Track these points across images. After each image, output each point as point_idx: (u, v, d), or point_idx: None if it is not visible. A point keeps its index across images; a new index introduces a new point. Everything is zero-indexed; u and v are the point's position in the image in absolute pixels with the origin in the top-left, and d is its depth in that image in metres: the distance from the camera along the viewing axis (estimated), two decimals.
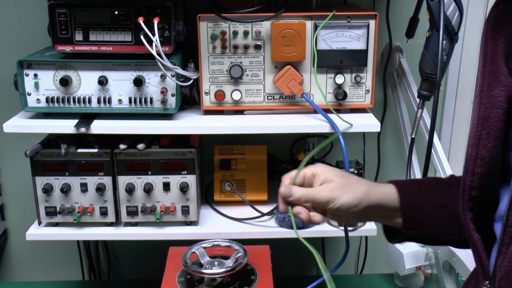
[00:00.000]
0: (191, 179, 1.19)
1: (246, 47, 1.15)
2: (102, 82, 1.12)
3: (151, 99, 1.14)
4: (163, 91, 1.13)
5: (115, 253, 1.70)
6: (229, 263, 1.11)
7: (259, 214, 1.26)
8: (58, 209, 1.20)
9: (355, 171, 1.37)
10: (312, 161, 1.50)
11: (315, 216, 0.83)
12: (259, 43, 1.15)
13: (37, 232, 1.22)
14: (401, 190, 0.86)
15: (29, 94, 1.14)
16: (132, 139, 1.20)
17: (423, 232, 0.86)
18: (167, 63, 1.06)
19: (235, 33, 1.14)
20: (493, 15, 0.69)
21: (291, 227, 1.24)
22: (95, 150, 1.17)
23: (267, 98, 1.19)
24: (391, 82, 1.49)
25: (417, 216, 0.85)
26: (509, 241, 0.63)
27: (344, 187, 0.83)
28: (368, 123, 1.16)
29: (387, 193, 0.85)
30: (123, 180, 1.19)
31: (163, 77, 1.13)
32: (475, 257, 0.70)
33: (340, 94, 1.17)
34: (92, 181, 1.19)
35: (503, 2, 0.69)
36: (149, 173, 1.19)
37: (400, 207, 0.84)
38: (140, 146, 1.17)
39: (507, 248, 0.63)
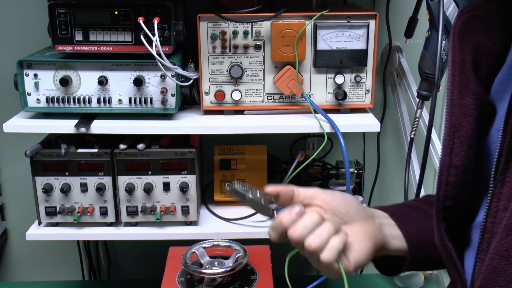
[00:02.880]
0: (191, 179, 1.19)
1: (246, 47, 1.15)
2: (102, 82, 1.12)
3: (151, 99, 1.14)
4: (163, 91, 1.13)
5: (115, 253, 1.70)
6: (229, 263, 1.11)
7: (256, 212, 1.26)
8: (58, 209, 1.20)
9: (355, 171, 1.37)
10: (312, 161, 1.50)
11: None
12: (259, 43, 1.15)
13: (37, 232, 1.22)
14: (392, 214, 0.81)
15: (29, 94, 1.14)
16: (132, 139, 1.20)
17: (429, 252, 0.79)
18: (167, 63, 1.06)
19: (235, 33, 1.14)
20: (459, 23, 0.69)
21: None
22: (95, 150, 1.18)
23: (267, 98, 1.19)
24: (391, 82, 1.50)
25: (419, 235, 0.79)
26: (486, 247, 0.63)
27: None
28: (368, 123, 1.16)
29: (380, 211, 0.81)
30: (123, 180, 1.19)
31: (163, 77, 1.13)
32: (450, 267, 0.70)
33: (340, 94, 1.17)
34: (92, 181, 1.19)
35: (467, 12, 0.69)
36: (149, 173, 1.19)
37: (400, 228, 0.79)
38: (140, 146, 1.17)
39: (484, 255, 0.63)
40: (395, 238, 0.79)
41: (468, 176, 0.67)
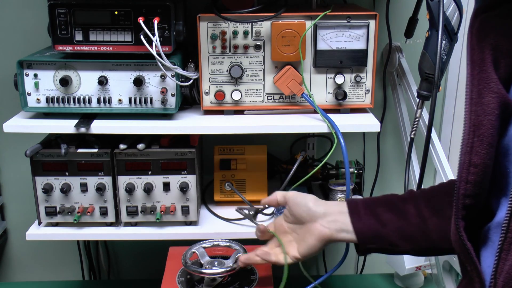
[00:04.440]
0: (191, 179, 1.19)
1: (246, 47, 1.15)
2: (102, 82, 1.12)
3: (151, 99, 1.14)
4: (163, 91, 1.13)
5: (115, 253, 1.70)
6: (229, 263, 1.11)
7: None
8: (58, 209, 1.20)
9: (355, 171, 1.37)
10: (311, 161, 1.50)
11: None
12: (259, 43, 1.15)
13: (37, 232, 1.22)
14: (350, 207, 0.97)
15: (29, 94, 1.14)
16: (132, 139, 1.20)
17: (378, 246, 0.96)
18: (167, 63, 1.06)
19: (235, 33, 1.14)
20: (476, 23, 0.70)
21: None
22: (95, 150, 1.18)
23: (267, 98, 1.19)
24: (391, 82, 1.50)
25: (368, 230, 0.95)
26: (508, 247, 0.63)
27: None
28: (368, 123, 1.16)
29: (338, 204, 1.00)
30: (123, 180, 1.19)
31: (163, 77, 1.13)
32: (469, 266, 0.70)
33: (340, 94, 1.17)
34: (92, 181, 1.19)
35: (483, 11, 0.69)
36: (149, 173, 1.19)
37: (351, 223, 0.96)
38: (140, 146, 1.17)
39: (506, 254, 0.63)
40: (343, 231, 0.96)
41: (487, 174, 0.68)
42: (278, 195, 1.05)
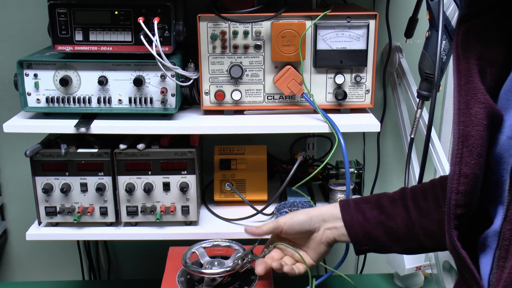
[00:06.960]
0: (191, 179, 1.19)
1: (246, 47, 1.15)
2: (102, 82, 1.12)
3: (151, 99, 1.14)
4: (163, 91, 1.13)
5: (115, 253, 1.70)
6: (229, 263, 1.11)
7: (256, 212, 1.26)
8: (58, 209, 1.20)
9: (355, 171, 1.37)
10: (311, 161, 1.50)
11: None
12: (259, 43, 1.15)
13: (37, 232, 1.22)
14: (343, 209, 1.01)
15: (29, 94, 1.14)
16: (132, 139, 1.20)
17: (371, 247, 1.00)
18: (167, 63, 1.06)
19: (235, 33, 1.14)
20: (461, 33, 0.69)
21: None
22: (95, 150, 1.18)
23: (267, 98, 1.19)
24: (391, 82, 1.50)
25: (361, 234, 0.99)
26: (505, 254, 0.63)
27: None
28: (368, 123, 1.16)
29: (330, 209, 1.03)
30: (123, 180, 1.19)
31: (163, 77, 1.13)
32: (466, 274, 0.71)
33: (340, 94, 1.17)
34: (92, 181, 1.19)
35: (467, 20, 0.69)
36: (149, 173, 1.19)
37: (344, 227, 1.00)
38: (140, 146, 1.17)
39: (504, 261, 0.63)
40: (342, 236, 1.01)
41: (478, 184, 0.68)
42: (266, 228, 1.05)
